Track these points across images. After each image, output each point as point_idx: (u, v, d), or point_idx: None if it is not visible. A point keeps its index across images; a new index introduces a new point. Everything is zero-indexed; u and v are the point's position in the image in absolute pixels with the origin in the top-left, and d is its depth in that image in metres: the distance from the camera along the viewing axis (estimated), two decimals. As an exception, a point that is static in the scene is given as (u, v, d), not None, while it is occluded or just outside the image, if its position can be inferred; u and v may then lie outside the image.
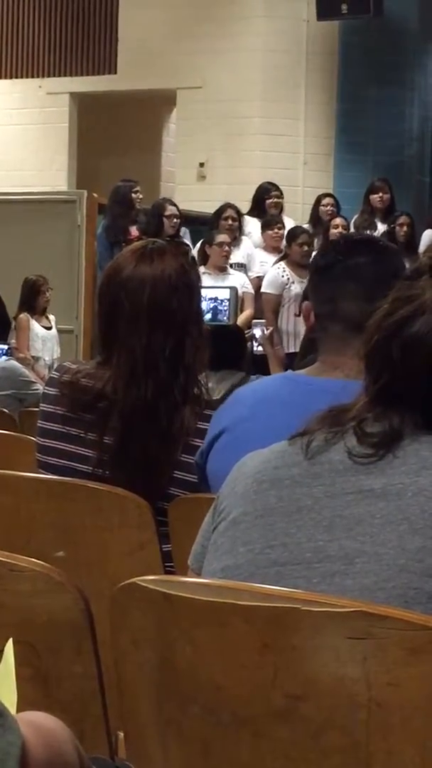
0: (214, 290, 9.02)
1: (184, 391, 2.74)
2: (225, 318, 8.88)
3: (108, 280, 2.85)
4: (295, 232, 9.68)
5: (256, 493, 1.59)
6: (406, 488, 1.48)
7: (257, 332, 8.85)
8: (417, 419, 1.53)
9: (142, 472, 2.72)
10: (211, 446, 2.48)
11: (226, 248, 9.51)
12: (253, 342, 8.80)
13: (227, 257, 9.55)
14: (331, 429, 1.58)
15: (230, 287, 9.13)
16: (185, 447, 2.71)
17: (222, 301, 9.01)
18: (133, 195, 10.16)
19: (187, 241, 9.98)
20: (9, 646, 1.17)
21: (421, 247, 9.87)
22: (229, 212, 10.03)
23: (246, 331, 8.53)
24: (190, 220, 10.66)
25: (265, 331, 8.81)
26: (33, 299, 10.02)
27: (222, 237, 9.58)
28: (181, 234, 10.17)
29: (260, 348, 8.83)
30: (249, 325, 9.10)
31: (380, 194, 10.71)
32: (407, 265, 2.34)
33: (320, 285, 2.45)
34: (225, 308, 8.98)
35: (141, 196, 10.22)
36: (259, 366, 8.33)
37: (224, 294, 9.05)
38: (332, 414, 1.60)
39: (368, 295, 2.30)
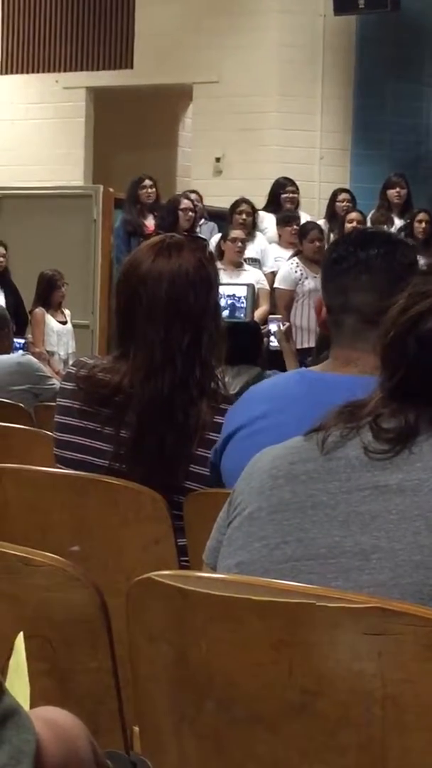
0: (232, 287, 9.02)
1: (200, 385, 2.75)
2: (242, 315, 8.87)
3: (126, 275, 2.85)
4: (306, 228, 9.67)
5: (271, 488, 1.59)
6: (422, 484, 1.47)
7: (273, 327, 8.84)
8: (432, 415, 1.53)
9: (158, 465, 2.72)
10: (226, 444, 2.48)
11: (239, 244, 9.51)
12: (270, 337, 8.79)
13: (240, 252, 9.55)
14: (346, 425, 1.57)
15: (247, 284, 9.13)
16: (201, 441, 2.71)
17: (239, 298, 9.01)
18: (141, 191, 10.18)
19: (216, 235, 9.97)
20: (20, 641, 1.17)
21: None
22: (243, 207, 10.04)
23: (262, 327, 8.53)
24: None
25: (281, 327, 8.80)
26: (48, 294, 10.04)
27: (235, 233, 9.58)
28: (198, 229, 10.17)
29: (276, 343, 8.82)
30: (265, 321, 9.09)
31: (397, 189, 10.68)
32: (421, 260, 2.35)
33: (332, 277, 2.45)
34: (242, 305, 8.98)
35: (151, 191, 10.22)
36: (275, 361, 8.32)
37: (242, 291, 9.05)
38: (348, 410, 1.60)
39: (381, 287, 2.30)
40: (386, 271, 2.36)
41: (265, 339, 8.40)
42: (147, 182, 10.25)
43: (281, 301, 9.41)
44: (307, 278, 9.35)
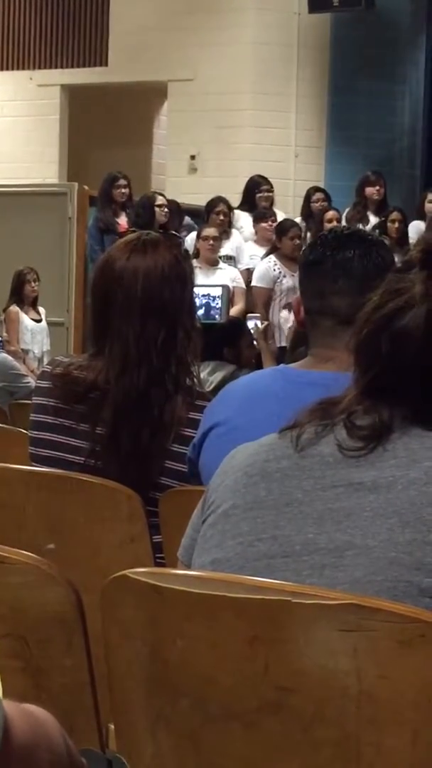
0: (206, 287, 9.02)
1: (176, 381, 2.75)
2: (217, 316, 8.86)
3: (101, 272, 2.86)
4: (285, 226, 9.65)
5: (245, 486, 1.59)
6: (396, 481, 1.48)
7: (251, 326, 8.83)
8: (406, 412, 1.53)
9: (133, 462, 2.72)
10: (204, 440, 2.48)
11: (211, 242, 9.50)
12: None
13: (213, 250, 9.54)
14: (321, 422, 1.57)
15: (222, 285, 9.13)
16: (177, 437, 2.72)
17: (214, 297, 9.01)
18: (115, 190, 10.18)
19: (192, 233, 9.98)
20: None
21: (412, 236, 9.88)
22: (221, 207, 10.04)
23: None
24: (180, 212, 10.66)
25: (259, 325, 8.79)
26: (19, 290, 10.03)
27: (208, 231, 9.59)
28: (184, 224, 10.22)
29: (254, 342, 8.81)
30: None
31: (377, 187, 10.71)
32: (396, 259, 2.35)
33: (309, 280, 2.45)
34: (217, 305, 8.97)
35: (125, 191, 10.21)
36: (259, 360, 8.33)
37: (216, 291, 9.04)
38: (322, 407, 1.60)
39: (358, 289, 2.30)
40: (363, 272, 2.36)
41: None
42: (122, 182, 10.26)
43: (259, 299, 9.39)
44: (285, 276, 9.32)
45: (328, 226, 9.83)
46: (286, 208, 11.32)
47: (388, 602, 1.33)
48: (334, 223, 9.86)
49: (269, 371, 2.74)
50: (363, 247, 2.43)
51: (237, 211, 10.38)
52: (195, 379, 2.81)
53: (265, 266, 9.48)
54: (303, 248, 9.58)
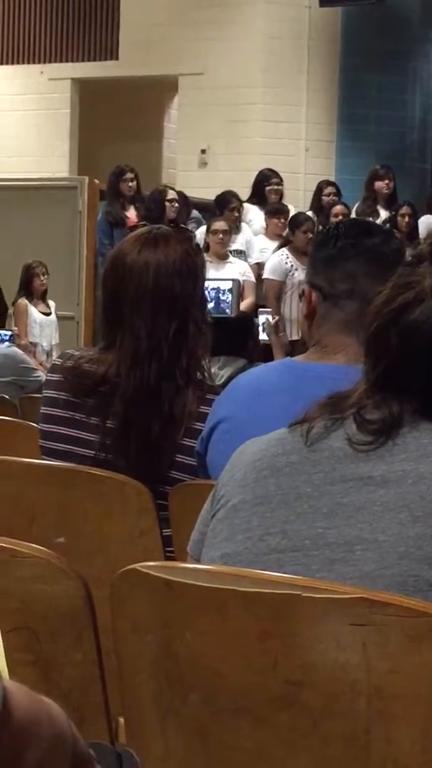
0: (216, 281, 9.01)
1: (186, 374, 2.75)
2: (228, 310, 8.86)
3: (112, 265, 2.86)
4: (299, 219, 9.64)
5: (255, 480, 1.58)
6: (406, 476, 1.47)
7: (263, 320, 8.81)
8: (416, 406, 1.53)
9: (144, 455, 2.72)
10: (211, 434, 2.48)
11: (221, 236, 9.50)
12: (260, 330, 8.75)
13: (222, 244, 9.53)
14: (330, 416, 1.57)
15: (233, 279, 9.12)
16: (187, 430, 2.72)
17: (224, 291, 9.00)
18: (122, 184, 10.17)
19: (202, 227, 9.97)
20: None
21: (421, 231, 9.87)
22: (235, 203, 10.05)
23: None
24: (187, 205, 10.65)
25: (271, 320, 8.77)
26: (28, 283, 10.04)
27: (217, 224, 9.58)
28: (191, 217, 10.21)
29: (266, 336, 8.79)
30: (251, 313, 9.07)
31: (386, 181, 10.70)
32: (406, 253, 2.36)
33: (338, 263, 2.44)
34: (227, 299, 8.96)
35: (132, 184, 10.20)
36: (267, 354, 8.32)
37: (226, 285, 9.03)
38: (332, 401, 1.60)
39: (385, 275, 2.31)
40: (392, 260, 2.37)
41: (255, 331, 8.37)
42: (129, 175, 10.25)
43: (271, 291, 9.37)
44: (297, 270, 9.30)
45: (334, 221, 9.82)
46: (297, 202, 11.32)
47: (398, 596, 1.33)
48: (341, 218, 9.84)
49: (275, 364, 2.74)
50: (383, 234, 2.49)
51: (246, 205, 10.38)
52: (206, 373, 2.81)
53: (277, 259, 9.46)
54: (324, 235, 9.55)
